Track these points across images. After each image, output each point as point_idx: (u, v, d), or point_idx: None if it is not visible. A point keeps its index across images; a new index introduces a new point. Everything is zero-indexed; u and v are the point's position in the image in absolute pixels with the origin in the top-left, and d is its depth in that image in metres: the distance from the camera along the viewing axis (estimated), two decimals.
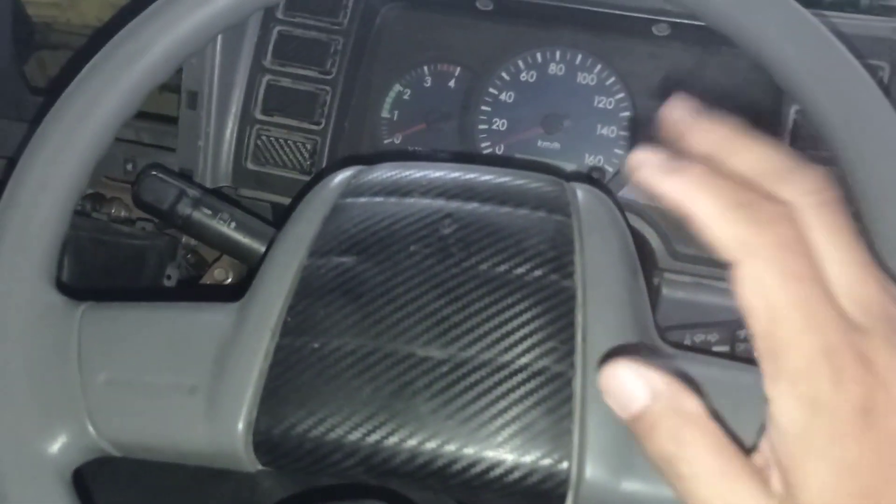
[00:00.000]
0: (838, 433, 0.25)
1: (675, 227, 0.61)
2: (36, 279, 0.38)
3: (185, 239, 0.74)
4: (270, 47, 0.63)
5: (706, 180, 0.26)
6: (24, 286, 0.38)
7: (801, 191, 0.27)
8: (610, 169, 0.63)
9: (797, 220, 0.26)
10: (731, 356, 0.51)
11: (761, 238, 0.25)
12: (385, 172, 0.42)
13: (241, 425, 0.34)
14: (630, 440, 0.32)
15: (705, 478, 0.26)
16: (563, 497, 0.33)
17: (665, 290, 0.61)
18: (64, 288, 0.39)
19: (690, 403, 0.27)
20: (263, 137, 0.64)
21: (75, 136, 0.39)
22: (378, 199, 0.40)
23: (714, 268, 0.59)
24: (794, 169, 0.28)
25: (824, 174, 0.27)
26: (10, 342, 0.37)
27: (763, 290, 0.25)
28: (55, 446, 0.36)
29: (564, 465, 0.32)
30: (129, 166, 0.66)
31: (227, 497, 0.79)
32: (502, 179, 0.42)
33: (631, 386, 0.27)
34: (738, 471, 0.26)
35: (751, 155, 0.28)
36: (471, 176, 0.42)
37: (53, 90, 0.41)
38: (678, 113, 0.29)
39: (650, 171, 0.27)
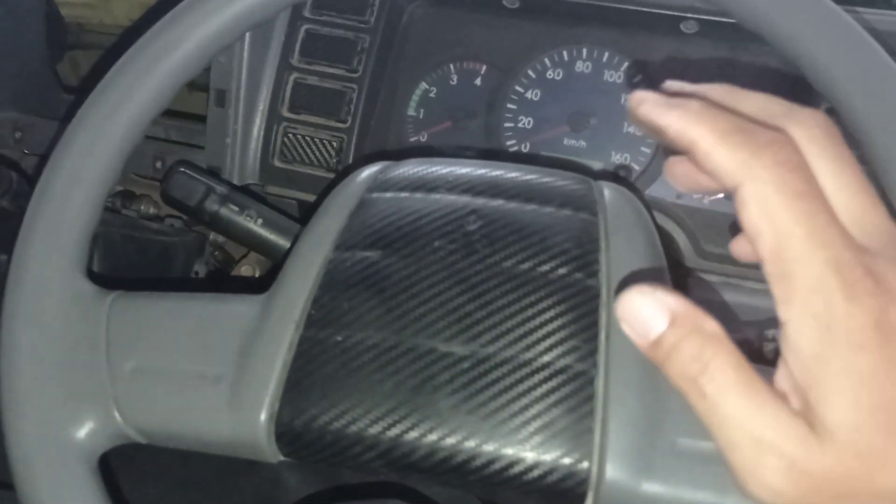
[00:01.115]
0: (855, 347, 0.24)
1: (703, 227, 0.60)
2: (68, 267, 0.39)
3: (212, 236, 0.75)
4: (298, 46, 0.64)
5: (706, 112, 0.27)
6: (56, 274, 0.38)
7: (802, 124, 0.27)
8: (637, 167, 0.62)
9: (798, 148, 0.26)
10: (759, 356, 0.50)
11: (761, 159, 0.25)
12: (411, 168, 0.42)
13: (263, 415, 0.34)
14: (653, 441, 0.32)
15: (730, 394, 0.26)
16: (582, 496, 0.32)
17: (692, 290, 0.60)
18: (94, 277, 0.40)
19: (710, 325, 0.27)
20: (290, 135, 0.64)
21: (108, 129, 0.40)
22: (404, 194, 0.40)
23: (742, 267, 0.58)
24: (794, 108, 0.28)
25: (824, 114, 0.28)
26: (41, 328, 0.38)
27: (767, 210, 0.25)
28: (82, 432, 0.36)
29: (585, 464, 0.32)
30: (159, 164, 0.67)
31: (251, 492, 0.80)
32: (529, 177, 0.41)
33: (648, 312, 0.27)
34: (760, 388, 0.26)
35: (750, 100, 0.29)
36: (497, 173, 0.42)
37: (85, 89, 0.42)
38: (678, 85, 0.31)
39: (651, 105, 0.28)
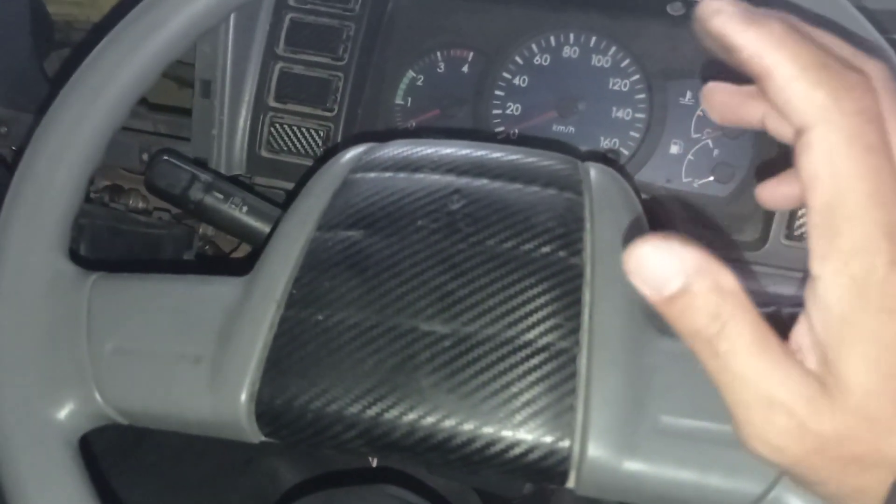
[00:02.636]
0: (887, 312, 0.24)
1: (692, 210, 0.60)
2: (49, 248, 0.38)
3: (202, 229, 0.74)
4: (283, 35, 0.64)
5: (789, 36, 0.24)
6: (37, 254, 0.38)
7: (878, 72, 0.26)
8: (625, 152, 0.62)
9: (877, 97, 0.25)
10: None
11: (841, 103, 0.24)
12: (396, 149, 0.42)
13: (244, 395, 0.34)
14: (635, 419, 0.32)
15: (743, 353, 0.25)
16: (564, 475, 0.32)
17: None
18: (77, 258, 0.40)
19: (728, 280, 0.25)
20: (277, 125, 0.64)
21: (91, 109, 0.40)
22: (388, 174, 0.40)
23: (729, 251, 0.58)
24: (864, 55, 0.27)
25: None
26: (22, 308, 0.37)
27: (832, 159, 0.24)
28: (62, 413, 0.36)
29: (566, 442, 0.31)
30: (145, 156, 0.67)
31: (248, 490, 0.79)
32: (513, 157, 0.41)
33: (662, 265, 0.25)
34: (775, 347, 0.25)
35: (828, 36, 0.27)
36: (482, 153, 0.41)
37: (67, 79, 0.41)
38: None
39: (728, 18, 0.25)
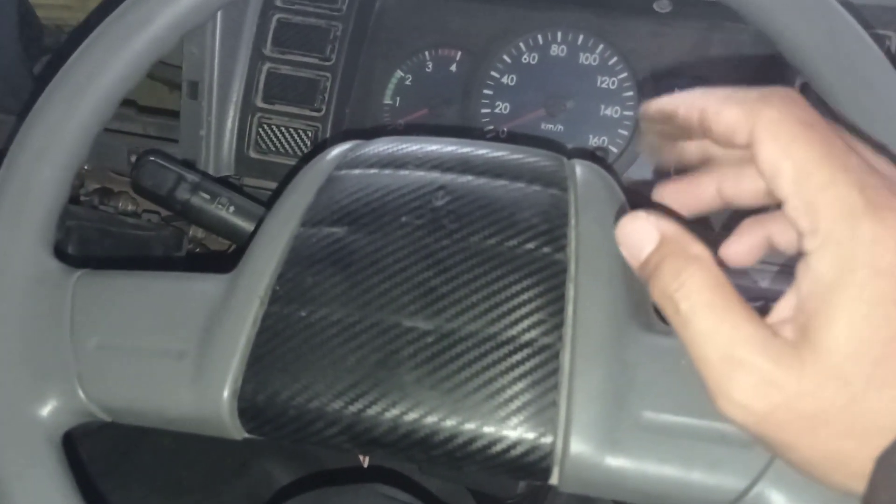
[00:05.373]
0: (876, 271, 0.24)
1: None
2: (33, 244, 0.38)
3: (192, 231, 0.74)
4: (270, 35, 0.64)
5: (708, 89, 0.29)
6: (21, 251, 0.38)
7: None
8: (614, 149, 0.62)
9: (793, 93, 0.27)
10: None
11: (768, 100, 0.27)
12: (381, 146, 0.42)
13: (226, 391, 0.34)
14: (618, 415, 0.31)
15: (703, 311, 0.27)
16: (547, 471, 0.32)
17: None
18: (61, 255, 0.39)
19: (696, 248, 0.28)
20: (265, 125, 0.64)
21: (77, 105, 0.39)
22: (373, 171, 0.40)
23: (716, 247, 0.58)
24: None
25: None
26: (4, 304, 0.37)
27: (783, 144, 0.26)
28: (45, 409, 0.36)
29: (549, 438, 0.31)
30: (133, 158, 0.67)
31: (242, 492, 0.79)
32: (499, 154, 0.41)
33: (642, 232, 0.29)
34: (737, 308, 0.26)
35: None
36: (467, 149, 0.41)
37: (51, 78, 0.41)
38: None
39: (661, 100, 0.31)
